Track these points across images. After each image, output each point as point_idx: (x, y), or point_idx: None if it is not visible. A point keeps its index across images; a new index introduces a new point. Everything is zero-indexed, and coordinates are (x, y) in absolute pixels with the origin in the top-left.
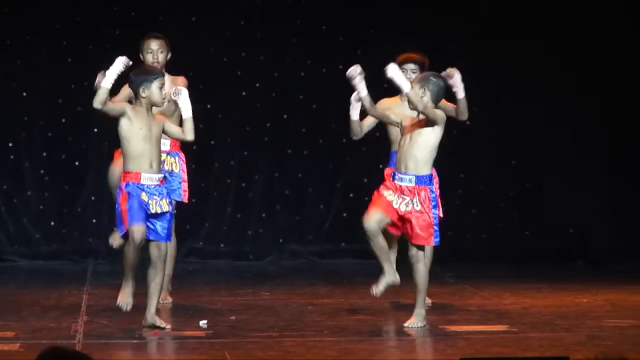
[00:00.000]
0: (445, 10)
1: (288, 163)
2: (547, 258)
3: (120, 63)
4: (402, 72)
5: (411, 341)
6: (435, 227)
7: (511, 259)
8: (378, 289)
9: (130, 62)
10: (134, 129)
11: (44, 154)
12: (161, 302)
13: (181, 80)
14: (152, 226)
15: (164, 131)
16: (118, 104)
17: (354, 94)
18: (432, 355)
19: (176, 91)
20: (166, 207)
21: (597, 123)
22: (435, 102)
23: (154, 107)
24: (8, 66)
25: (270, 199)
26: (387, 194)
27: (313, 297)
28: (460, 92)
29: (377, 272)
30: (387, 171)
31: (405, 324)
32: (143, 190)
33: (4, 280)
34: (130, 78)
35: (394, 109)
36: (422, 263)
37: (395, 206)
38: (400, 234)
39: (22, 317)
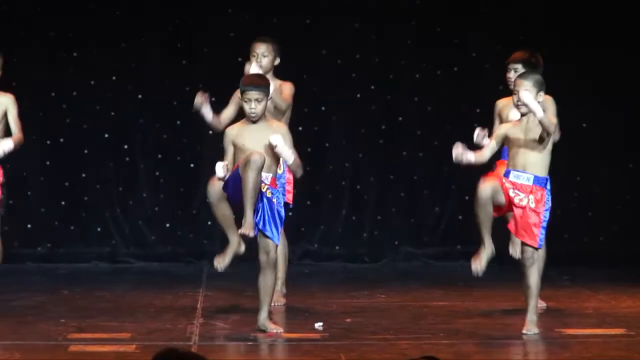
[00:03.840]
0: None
1: (403, 165)
2: None
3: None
4: (508, 71)
5: (526, 344)
6: (542, 230)
7: (628, 262)
8: (481, 265)
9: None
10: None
11: (159, 156)
12: (274, 304)
13: (288, 86)
14: (271, 219)
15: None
16: (226, 148)
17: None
18: (547, 358)
19: (271, 144)
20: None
21: None
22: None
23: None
24: (123, 68)
25: (385, 202)
26: (505, 180)
27: (428, 299)
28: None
29: (492, 275)
30: (499, 163)
31: (523, 331)
32: None
33: (119, 282)
34: None
35: (504, 110)
36: (536, 266)
37: (511, 194)
38: (498, 216)
39: (137, 319)
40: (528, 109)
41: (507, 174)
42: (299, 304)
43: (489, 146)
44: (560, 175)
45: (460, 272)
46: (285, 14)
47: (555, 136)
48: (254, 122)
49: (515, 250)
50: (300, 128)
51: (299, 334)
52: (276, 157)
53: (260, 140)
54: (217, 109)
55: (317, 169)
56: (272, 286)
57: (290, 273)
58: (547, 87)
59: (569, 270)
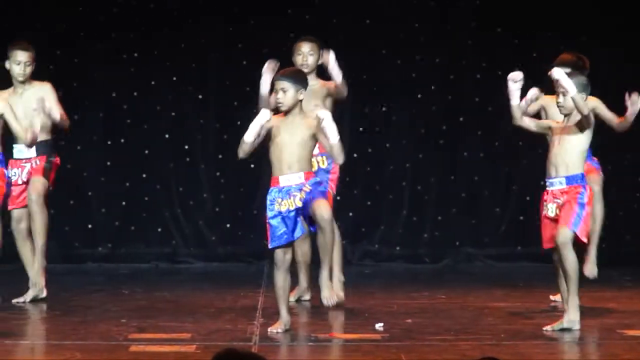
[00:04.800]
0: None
1: (463, 166)
2: None
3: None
4: None
5: (588, 345)
6: (578, 217)
7: None
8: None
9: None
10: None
11: (220, 156)
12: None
13: (332, 85)
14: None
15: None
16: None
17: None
18: (609, 359)
19: (319, 117)
20: (298, 203)
21: None
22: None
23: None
24: (184, 69)
25: (446, 202)
26: (544, 210)
27: (489, 300)
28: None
29: (553, 275)
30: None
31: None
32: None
33: (180, 282)
34: None
35: (550, 108)
36: (572, 251)
37: (551, 214)
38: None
39: (197, 319)
40: (561, 87)
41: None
42: (359, 305)
43: (528, 108)
44: (623, 176)
45: (521, 272)
46: (345, 15)
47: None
48: (287, 113)
49: (589, 270)
50: (360, 128)
51: (359, 334)
52: (310, 152)
53: (295, 133)
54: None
55: (378, 170)
56: (331, 246)
57: (350, 273)
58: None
59: (630, 271)
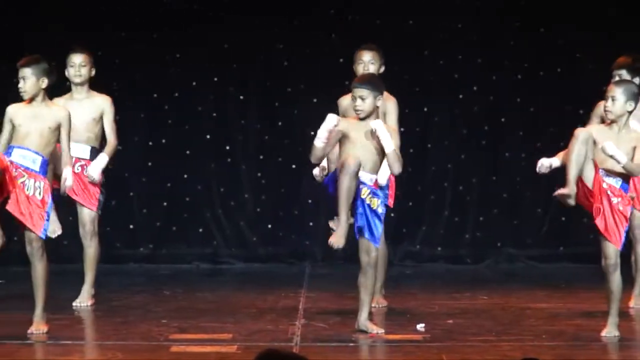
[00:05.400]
0: None
1: (505, 166)
2: None
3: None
4: (613, 78)
5: (630, 348)
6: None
7: None
8: None
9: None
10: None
11: (261, 157)
12: (375, 305)
13: (390, 100)
14: (371, 223)
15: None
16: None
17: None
18: None
19: (371, 127)
20: (378, 208)
21: None
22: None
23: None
24: (225, 70)
25: (487, 203)
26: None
27: (530, 301)
28: None
29: (594, 276)
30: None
31: (603, 333)
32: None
33: (221, 283)
34: None
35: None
36: (619, 271)
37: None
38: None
39: (238, 320)
40: (614, 159)
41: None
42: (400, 305)
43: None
44: None
45: (563, 273)
46: (388, 15)
47: None
48: (364, 119)
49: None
50: (402, 129)
51: (400, 335)
52: (382, 159)
53: (369, 138)
54: (320, 109)
55: (419, 170)
56: (372, 287)
57: (391, 274)
58: None
59: None
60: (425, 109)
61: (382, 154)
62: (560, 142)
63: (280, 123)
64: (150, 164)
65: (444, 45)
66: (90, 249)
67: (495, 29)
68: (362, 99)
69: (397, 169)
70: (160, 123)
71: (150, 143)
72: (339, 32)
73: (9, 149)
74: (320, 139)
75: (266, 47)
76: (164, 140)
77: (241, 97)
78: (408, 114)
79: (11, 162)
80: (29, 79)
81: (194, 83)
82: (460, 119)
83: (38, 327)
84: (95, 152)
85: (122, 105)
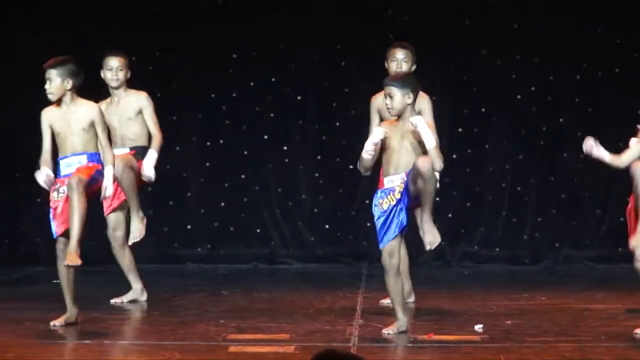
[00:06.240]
0: None
1: (563, 167)
2: None
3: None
4: None
5: None
6: None
7: None
8: None
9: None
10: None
11: (318, 157)
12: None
13: (424, 98)
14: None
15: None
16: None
17: None
18: None
19: (412, 123)
20: (397, 195)
21: None
22: None
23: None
24: (282, 70)
25: (546, 203)
26: None
27: (589, 302)
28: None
29: None
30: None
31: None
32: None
33: (278, 283)
34: None
35: None
36: None
37: None
38: None
39: (296, 320)
40: None
41: None
42: (458, 306)
43: (629, 151)
44: None
45: (622, 274)
46: (445, 15)
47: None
48: (398, 118)
49: None
50: (459, 129)
51: (458, 336)
52: (419, 156)
53: (404, 137)
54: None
55: (477, 171)
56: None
57: (449, 275)
58: None
59: None
60: (483, 110)
61: (419, 149)
62: (619, 142)
63: (337, 123)
64: (208, 164)
65: (502, 46)
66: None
67: (553, 29)
68: (391, 96)
69: (439, 165)
70: (218, 123)
71: (208, 143)
72: (395, 33)
73: (58, 166)
74: (367, 152)
75: (323, 47)
76: (221, 141)
77: (299, 98)
78: (466, 114)
79: (60, 177)
80: (54, 81)
81: (252, 83)
82: (518, 120)
83: (71, 259)
84: (142, 151)
85: (179, 106)
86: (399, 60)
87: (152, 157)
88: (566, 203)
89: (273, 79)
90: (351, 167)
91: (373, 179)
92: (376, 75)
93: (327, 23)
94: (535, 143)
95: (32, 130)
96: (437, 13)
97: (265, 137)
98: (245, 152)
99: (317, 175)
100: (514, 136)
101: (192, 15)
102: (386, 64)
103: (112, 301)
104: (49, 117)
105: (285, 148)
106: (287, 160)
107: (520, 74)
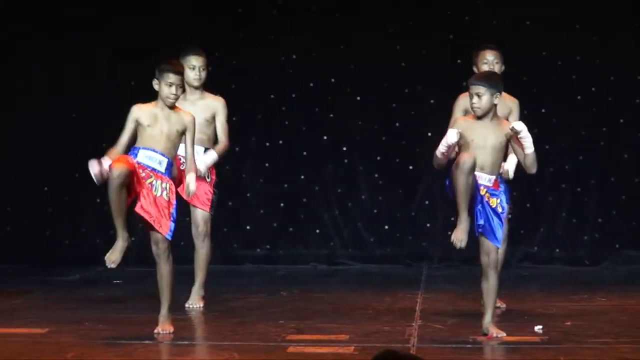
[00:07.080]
0: None
1: (624, 168)
2: None
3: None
4: None
5: None
6: None
7: None
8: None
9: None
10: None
11: (378, 157)
12: (498, 306)
13: (513, 101)
14: (491, 222)
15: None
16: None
17: None
18: None
19: (515, 129)
20: (498, 207)
21: None
22: None
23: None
24: (342, 71)
25: (606, 204)
26: None
27: None
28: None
29: None
30: None
31: None
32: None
33: (338, 284)
34: None
35: None
36: None
37: None
38: None
39: (355, 321)
40: None
41: None
42: (518, 307)
43: None
44: None
45: None
46: (504, 16)
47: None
48: (480, 117)
49: None
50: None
51: (518, 337)
52: (502, 158)
53: (489, 137)
54: (437, 110)
55: (537, 171)
56: (495, 289)
57: (509, 276)
58: None
59: None
60: (543, 110)
61: (502, 151)
62: None
63: (397, 124)
64: (267, 164)
65: (562, 46)
66: (203, 249)
67: (613, 29)
68: (479, 96)
69: (535, 168)
70: (278, 124)
71: (267, 144)
72: (456, 33)
73: (134, 150)
74: (441, 151)
75: (383, 47)
76: (280, 142)
77: (358, 98)
78: (526, 115)
79: (138, 164)
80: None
81: (311, 84)
82: (578, 120)
83: (164, 327)
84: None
85: (239, 107)
86: (490, 62)
87: (210, 156)
88: (626, 204)
89: (332, 80)
90: (411, 167)
91: (433, 180)
92: (435, 76)
93: (386, 24)
94: (595, 144)
95: (91, 131)
96: (499, 14)
97: (325, 137)
98: (305, 153)
99: (376, 175)
100: (574, 137)
101: (251, 16)
102: (474, 67)
103: (188, 306)
104: (140, 113)
105: (344, 149)
106: (346, 160)
107: (581, 75)
